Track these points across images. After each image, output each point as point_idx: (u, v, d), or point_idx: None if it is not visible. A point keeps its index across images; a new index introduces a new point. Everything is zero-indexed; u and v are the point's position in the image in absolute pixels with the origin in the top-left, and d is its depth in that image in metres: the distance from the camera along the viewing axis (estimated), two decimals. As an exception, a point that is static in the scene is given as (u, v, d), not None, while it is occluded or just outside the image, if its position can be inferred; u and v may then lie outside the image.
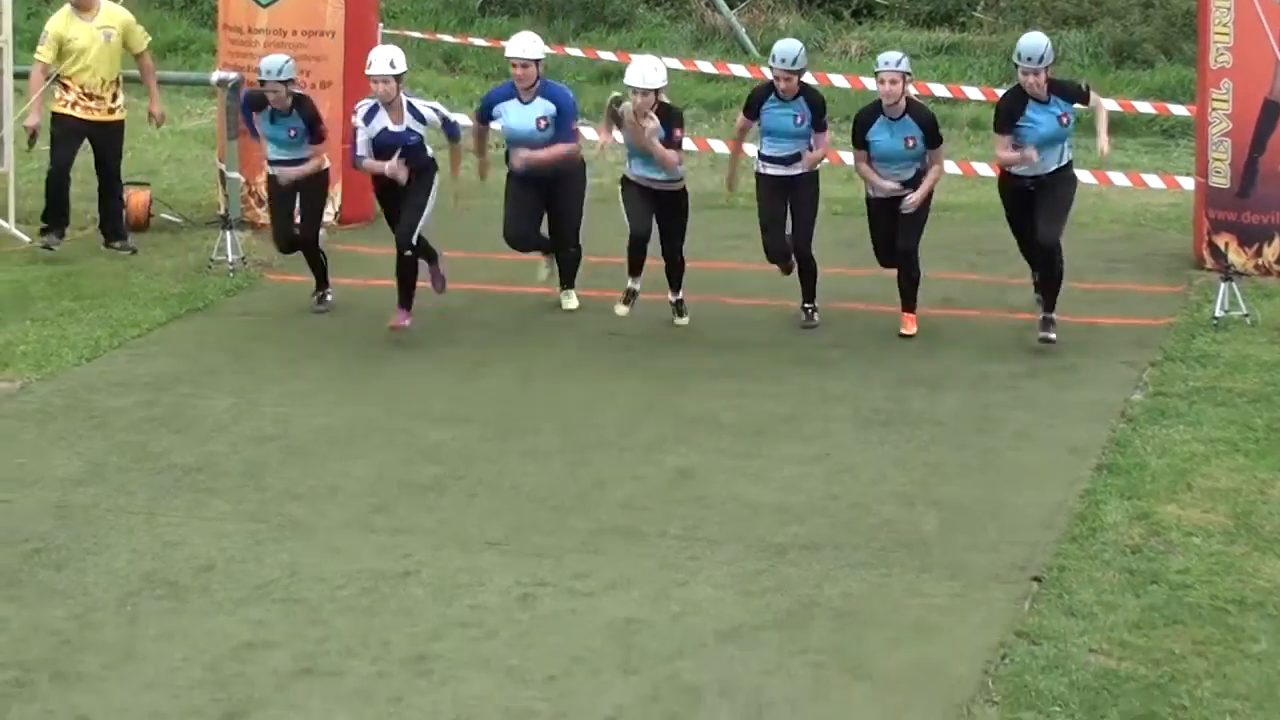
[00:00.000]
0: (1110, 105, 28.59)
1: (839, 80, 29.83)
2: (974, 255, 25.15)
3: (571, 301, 23.00)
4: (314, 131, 22.15)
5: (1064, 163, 20.24)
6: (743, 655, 14.46)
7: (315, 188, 22.78)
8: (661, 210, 21.89)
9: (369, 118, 20.24)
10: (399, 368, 20.13)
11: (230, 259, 25.04)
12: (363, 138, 20.32)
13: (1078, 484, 17.57)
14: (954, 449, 18.12)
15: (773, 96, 20.94)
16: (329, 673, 14.38)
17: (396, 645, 14.79)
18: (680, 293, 22.61)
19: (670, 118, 21.25)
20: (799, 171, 21.27)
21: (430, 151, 20.24)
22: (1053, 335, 21.20)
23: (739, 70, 31.57)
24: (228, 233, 25.40)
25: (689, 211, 22.26)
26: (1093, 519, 16.84)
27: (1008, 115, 20.44)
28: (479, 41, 34.59)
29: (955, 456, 18.01)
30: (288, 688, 14.21)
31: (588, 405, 18.83)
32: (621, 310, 22.13)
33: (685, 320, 22.52)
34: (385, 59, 19.83)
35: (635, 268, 22.05)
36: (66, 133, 25.81)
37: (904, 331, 21.62)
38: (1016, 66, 20.18)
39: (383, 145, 20.07)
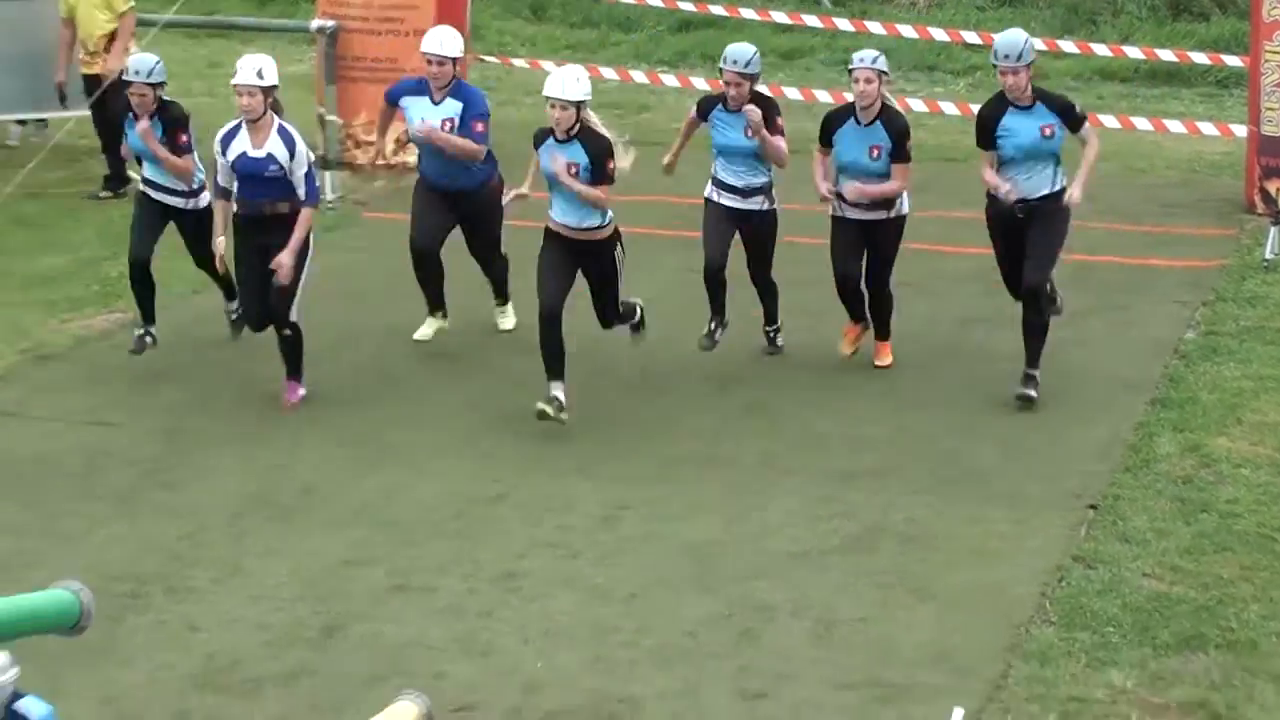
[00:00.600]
0: (1167, 56, 28.64)
1: (907, 30, 29.55)
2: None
3: (508, 321, 20.28)
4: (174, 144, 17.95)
5: (1055, 189, 17.57)
6: (812, 576, 14.61)
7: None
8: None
9: (226, 142, 16.69)
10: (491, 304, 20.15)
11: (330, 198, 25.06)
12: (220, 164, 16.88)
13: (1132, 417, 17.67)
14: (1014, 384, 18.20)
15: (720, 107, 18.10)
16: (422, 589, 14.58)
17: (486, 564, 14.97)
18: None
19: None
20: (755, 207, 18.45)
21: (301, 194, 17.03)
22: (1032, 393, 18.13)
23: (811, 20, 31.20)
24: (327, 173, 25.36)
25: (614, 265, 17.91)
26: (1146, 450, 16.95)
27: (985, 125, 18.07)
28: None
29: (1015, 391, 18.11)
30: (383, 603, 14.42)
31: (665, 340, 18.90)
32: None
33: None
34: (251, 68, 16.42)
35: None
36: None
37: (879, 363, 19.12)
38: (995, 67, 18.05)
39: (241, 173, 16.67)
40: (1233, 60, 26.45)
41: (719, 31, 31.76)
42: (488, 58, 29.35)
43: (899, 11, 31.87)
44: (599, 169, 16.51)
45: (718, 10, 29.85)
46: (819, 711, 12.97)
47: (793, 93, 28.13)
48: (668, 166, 18.73)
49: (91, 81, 25.66)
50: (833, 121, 18.44)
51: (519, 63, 30.26)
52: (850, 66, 18.33)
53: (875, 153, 17.84)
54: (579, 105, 16.41)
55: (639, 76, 28.71)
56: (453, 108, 18.49)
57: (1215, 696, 12.99)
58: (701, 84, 28.76)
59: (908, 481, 16.40)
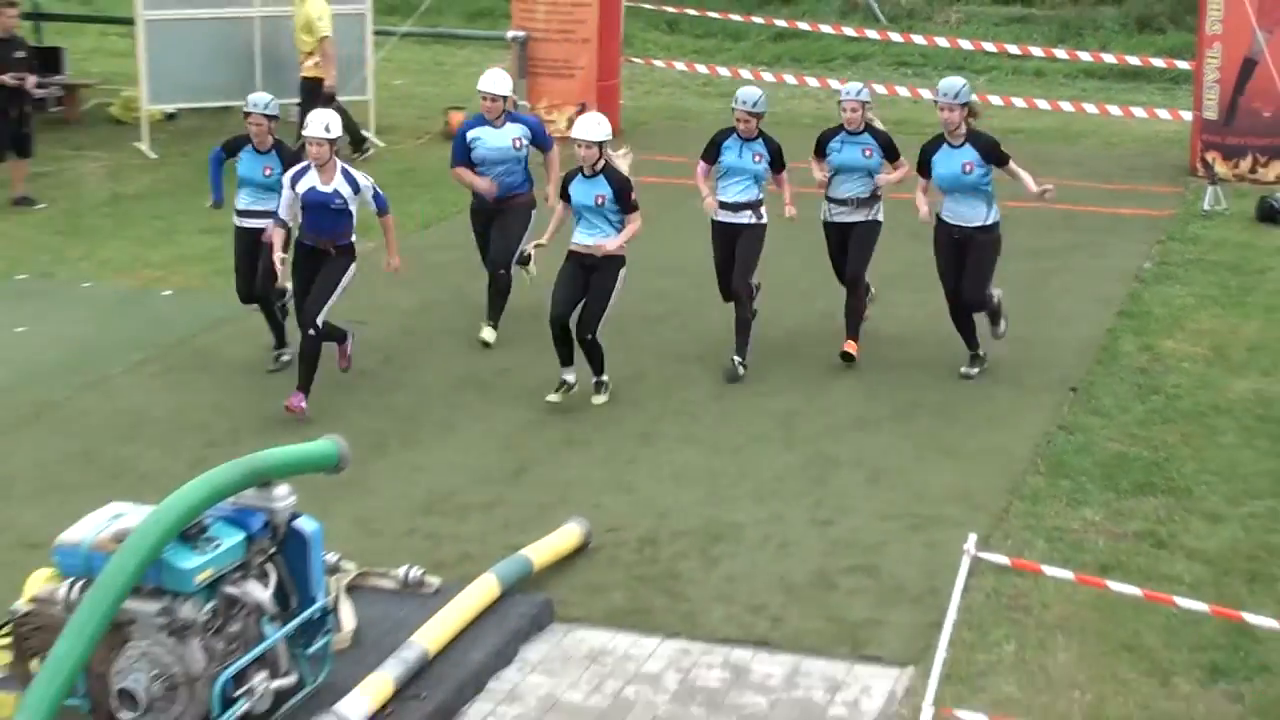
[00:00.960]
0: (1134, 60, 28.61)
1: (942, 40, 29.62)
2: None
3: (489, 335, 17.72)
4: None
5: (989, 222, 15.78)
6: (867, 437, 14.69)
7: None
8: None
9: (297, 179, 14.96)
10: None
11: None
12: (286, 197, 15.05)
13: (1103, 324, 17.66)
14: (1020, 299, 18.13)
15: (734, 137, 16.41)
16: (583, 443, 14.73)
17: (630, 425, 15.12)
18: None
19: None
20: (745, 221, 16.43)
21: (354, 237, 15.46)
22: (974, 371, 16.45)
23: (871, 33, 31.21)
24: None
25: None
26: (1113, 349, 16.96)
27: (923, 156, 16.27)
28: (691, 11, 34.19)
29: (1020, 303, 18.03)
30: (557, 452, 14.60)
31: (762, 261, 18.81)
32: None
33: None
34: (321, 123, 14.80)
35: None
36: None
37: (845, 350, 16.72)
38: (936, 104, 16.03)
39: (310, 203, 15.01)
40: (1182, 64, 26.31)
41: (804, 41, 31.66)
42: (635, 59, 29.30)
43: (936, 27, 31.82)
44: (624, 199, 15.39)
45: (804, 26, 29.93)
46: (870, 535, 13.09)
47: (854, 84, 28.12)
48: (709, 206, 16.70)
49: (305, 82, 25.04)
50: (825, 137, 16.93)
51: (658, 63, 30.27)
52: (840, 99, 16.99)
53: (867, 152, 16.56)
54: (601, 145, 15.24)
55: (745, 74, 28.75)
56: (516, 129, 17.00)
57: (1160, 529, 13.10)
58: (790, 79, 28.74)
59: (938, 369, 16.44)
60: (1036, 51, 28.80)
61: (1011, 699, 10.79)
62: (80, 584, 10.15)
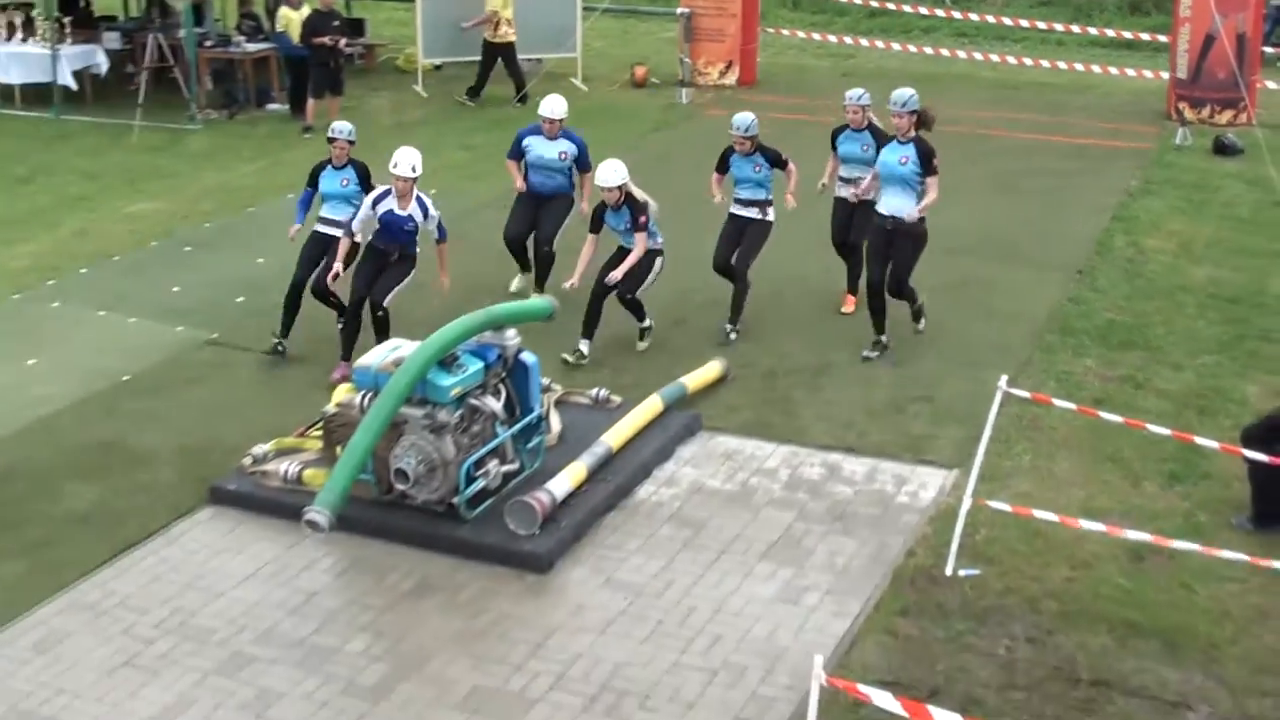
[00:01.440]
0: (1128, 34, 28.14)
1: (990, 19, 29.19)
2: (1044, 114, 24.60)
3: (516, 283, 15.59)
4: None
5: (916, 219, 13.52)
6: (931, 303, 14.45)
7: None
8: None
9: (378, 201, 13.21)
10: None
11: (684, 101, 24.87)
12: (364, 214, 13.31)
13: (1100, 225, 17.30)
14: (1042, 206, 17.95)
15: (734, 155, 14.30)
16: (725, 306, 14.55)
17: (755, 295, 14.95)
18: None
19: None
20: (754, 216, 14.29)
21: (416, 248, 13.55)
22: (873, 355, 13.61)
23: (939, 12, 30.68)
24: (682, 89, 25.21)
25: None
26: (1108, 243, 16.64)
27: (877, 142, 14.25)
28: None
29: (1042, 209, 17.84)
30: (706, 311, 14.44)
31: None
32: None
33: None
34: (409, 163, 13.09)
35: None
36: None
37: (844, 310, 14.76)
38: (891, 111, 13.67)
39: (386, 224, 13.21)
40: (1163, 38, 25.70)
41: (891, 17, 31.06)
42: (768, 29, 28.89)
43: (987, 7, 31.08)
44: (635, 222, 13.41)
45: (890, 6, 29.40)
46: (930, 373, 13.07)
47: (929, 50, 27.73)
48: (720, 200, 14.60)
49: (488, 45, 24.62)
50: (835, 132, 14.81)
51: (784, 32, 29.87)
52: (845, 103, 14.58)
53: (865, 148, 14.32)
54: (620, 186, 13.38)
55: (848, 40, 28.41)
56: (564, 144, 14.99)
57: (1138, 374, 12.98)
58: (880, 45, 28.30)
59: (983, 256, 16.23)
60: (1058, 27, 28.18)
61: (1028, 494, 10.79)
62: (369, 395, 10.54)
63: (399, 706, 8.61)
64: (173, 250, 16.80)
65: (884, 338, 13.63)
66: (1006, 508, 9.80)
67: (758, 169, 14.18)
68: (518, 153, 15.22)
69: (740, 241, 14.20)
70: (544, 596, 9.71)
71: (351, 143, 13.92)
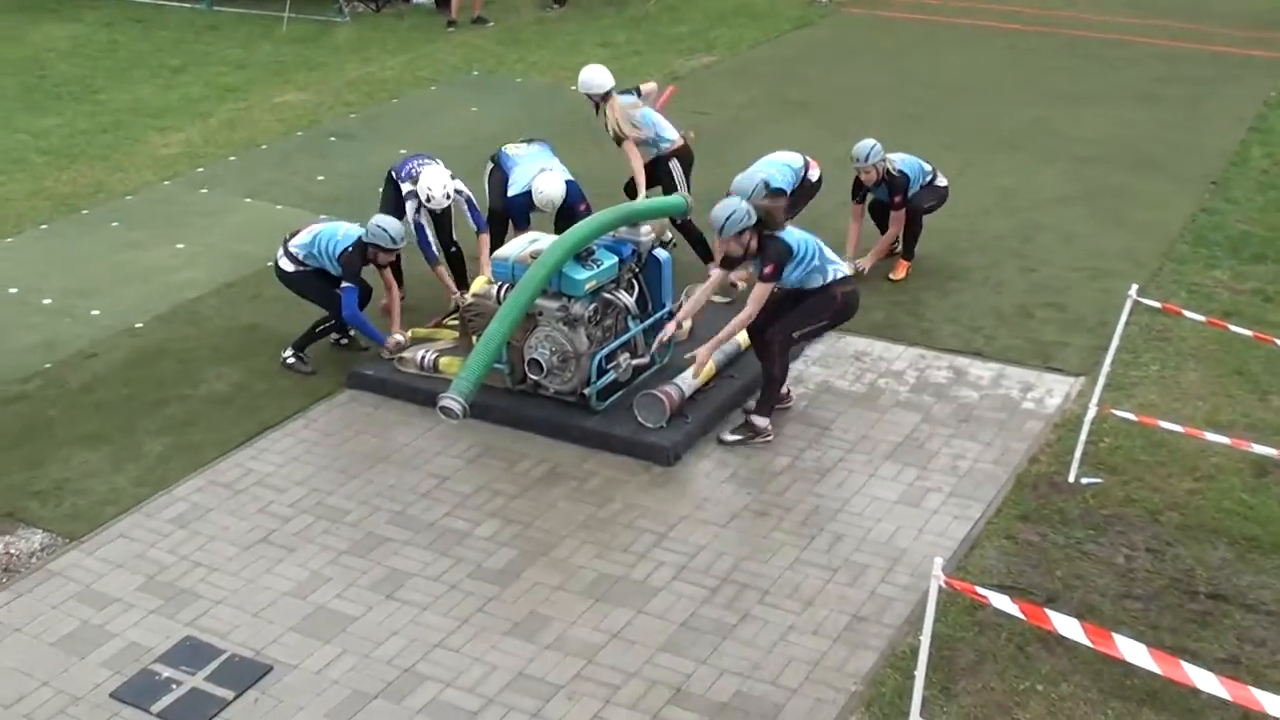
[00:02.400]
0: None
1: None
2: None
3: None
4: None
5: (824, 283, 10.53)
6: (1063, 211, 14.25)
7: None
8: None
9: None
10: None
11: (825, 3, 24.35)
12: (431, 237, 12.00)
13: (1238, 136, 16.84)
14: (1177, 115, 17.53)
15: None
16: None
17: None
18: None
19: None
20: None
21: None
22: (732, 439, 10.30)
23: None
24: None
25: None
26: (1244, 154, 16.17)
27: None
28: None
29: (1178, 118, 17.42)
30: (834, 217, 14.27)
31: (980, 72, 18.22)
32: None
33: None
34: (443, 190, 11.74)
35: None
36: None
37: (893, 277, 12.89)
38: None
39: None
40: None
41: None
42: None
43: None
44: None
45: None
46: (1061, 281, 12.84)
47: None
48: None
49: None
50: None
51: None
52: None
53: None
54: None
55: None
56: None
57: (1269, 288, 12.64)
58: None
59: (1116, 165, 15.86)
60: None
61: (1153, 404, 10.57)
62: (506, 286, 10.51)
63: (525, 590, 8.65)
64: (318, 140, 16.89)
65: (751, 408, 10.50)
66: (1131, 417, 9.61)
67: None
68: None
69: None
70: (669, 488, 9.70)
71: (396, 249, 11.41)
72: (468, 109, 17.88)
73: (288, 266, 11.36)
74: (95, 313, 12.59)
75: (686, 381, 10.42)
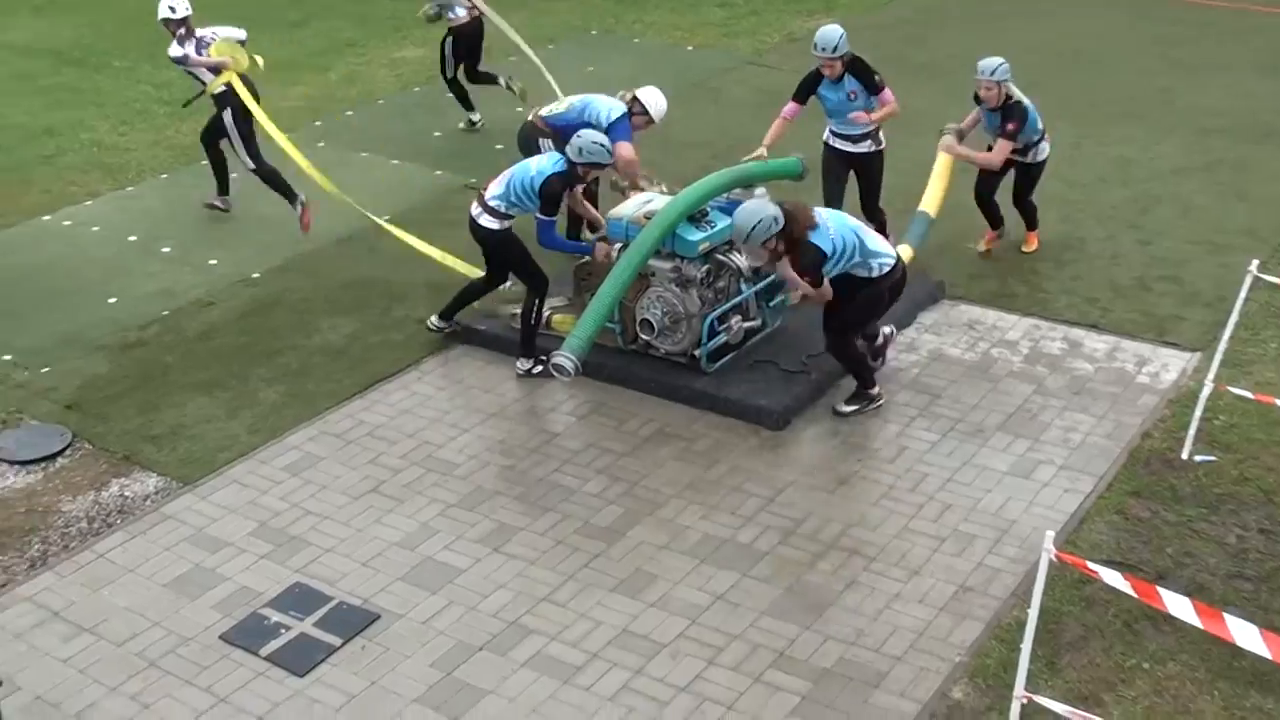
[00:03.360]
0: None
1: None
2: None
3: None
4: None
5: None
6: (1183, 183, 14.02)
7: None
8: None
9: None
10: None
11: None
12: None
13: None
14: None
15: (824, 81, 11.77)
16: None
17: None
18: None
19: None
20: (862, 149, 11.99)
21: None
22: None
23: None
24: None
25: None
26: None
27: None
28: None
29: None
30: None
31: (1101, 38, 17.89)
32: None
33: None
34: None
35: None
36: None
37: (1025, 249, 12.64)
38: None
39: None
40: None
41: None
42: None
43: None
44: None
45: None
46: (1178, 254, 12.65)
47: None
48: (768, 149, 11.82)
49: None
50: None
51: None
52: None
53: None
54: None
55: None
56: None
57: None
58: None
59: (1239, 137, 15.49)
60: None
61: (1270, 383, 10.39)
62: (620, 246, 10.48)
63: (631, 548, 8.67)
64: (435, 96, 16.93)
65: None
66: (1248, 395, 9.45)
67: (853, 95, 11.79)
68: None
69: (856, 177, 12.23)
70: (778, 452, 9.67)
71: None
72: (584, 68, 17.85)
73: (492, 224, 10.58)
74: (213, 262, 12.74)
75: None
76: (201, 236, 13.25)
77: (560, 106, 12.08)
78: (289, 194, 13.25)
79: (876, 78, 11.80)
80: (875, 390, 10.26)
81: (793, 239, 9.51)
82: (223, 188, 13.83)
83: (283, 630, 8.03)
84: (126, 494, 9.40)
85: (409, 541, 8.78)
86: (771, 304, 10.88)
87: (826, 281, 9.62)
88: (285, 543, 8.80)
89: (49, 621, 8.19)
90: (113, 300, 12.12)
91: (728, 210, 10.55)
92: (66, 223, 13.74)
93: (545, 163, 10.54)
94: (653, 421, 10.06)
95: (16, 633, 8.10)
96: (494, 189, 10.55)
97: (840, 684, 7.53)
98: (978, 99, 12.13)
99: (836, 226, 9.61)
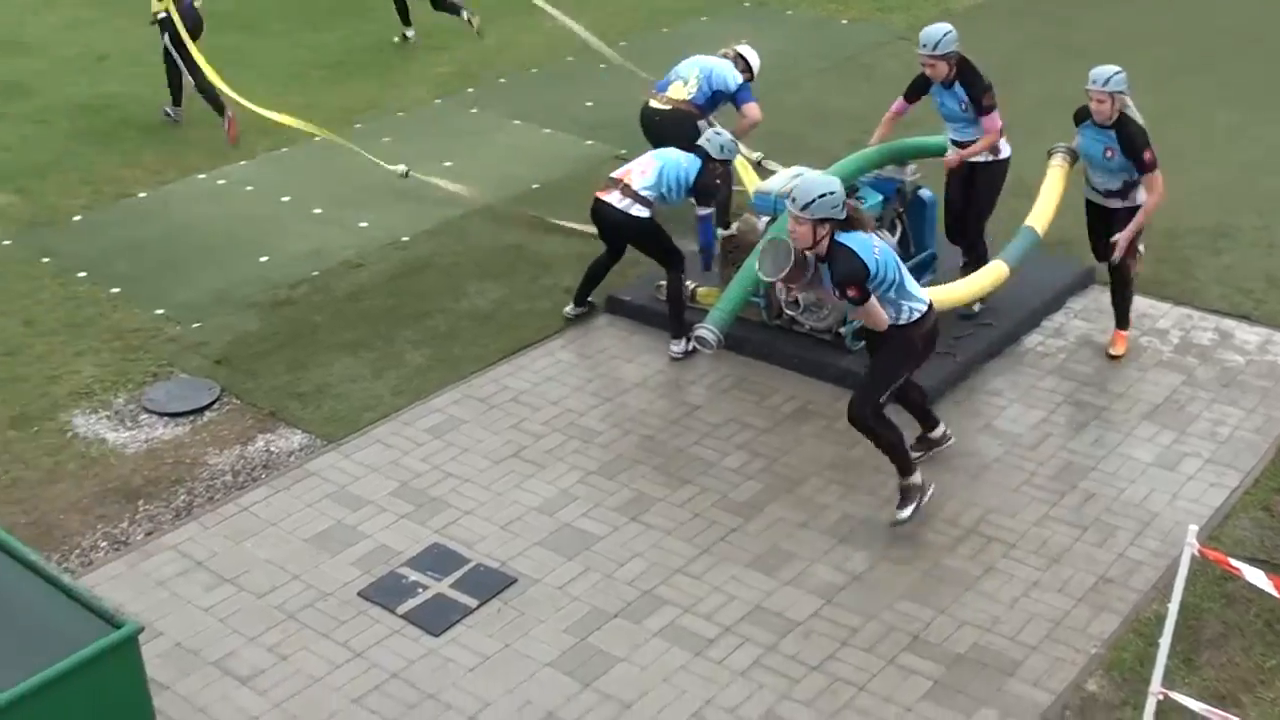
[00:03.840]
0: None
1: None
2: None
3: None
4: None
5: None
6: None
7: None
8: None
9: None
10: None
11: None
12: None
13: None
14: None
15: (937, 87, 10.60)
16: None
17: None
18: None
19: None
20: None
21: None
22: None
23: None
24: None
25: None
26: None
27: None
28: None
29: None
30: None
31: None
32: None
33: None
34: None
35: None
36: None
37: (1112, 352, 10.56)
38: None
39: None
40: None
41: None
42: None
43: None
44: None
45: None
46: (1339, 248, 12.31)
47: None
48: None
49: None
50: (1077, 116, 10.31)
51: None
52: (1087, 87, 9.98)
53: (1109, 154, 10.05)
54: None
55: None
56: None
57: None
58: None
59: None
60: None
61: None
62: (768, 219, 10.48)
63: (768, 524, 8.67)
64: (588, 66, 16.98)
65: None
66: None
67: (964, 107, 10.56)
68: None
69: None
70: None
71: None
72: (736, 42, 17.78)
73: (642, 212, 10.50)
74: (363, 224, 12.91)
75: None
76: (352, 199, 13.42)
77: (690, 85, 12.16)
78: (219, 108, 14.96)
79: (984, 99, 10.42)
80: (917, 478, 8.65)
81: (835, 240, 8.13)
82: (175, 99, 15.59)
83: (420, 590, 8.14)
84: (271, 449, 9.58)
85: (548, 507, 8.85)
86: (921, 282, 10.78)
87: (875, 298, 8.23)
88: (425, 503, 8.92)
89: (192, 571, 8.37)
90: (264, 259, 12.32)
91: (877, 187, 10.51)
92: (221, 181, 13.99)
93: (688, 159, 10.65)
94: (795, 398, 10.05)
95: (160, 580, 8.29)
96: (644, 179, 10.56)
97: (974, 670, 7.49)
98: (1080, 117, 10.30)
99: (882, 247, 8.35)
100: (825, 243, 8.12)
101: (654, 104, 12.24)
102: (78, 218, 13.22)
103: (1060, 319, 11.08)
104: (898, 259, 8.38)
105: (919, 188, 10.82)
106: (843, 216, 8.12)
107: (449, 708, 7.31)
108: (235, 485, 9.20)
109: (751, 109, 12.09)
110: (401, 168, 13.74)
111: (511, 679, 7.49)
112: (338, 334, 11.04)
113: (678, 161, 10.63)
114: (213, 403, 10.14)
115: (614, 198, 10.59)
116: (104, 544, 8.65)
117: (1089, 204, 10.47)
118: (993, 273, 10.33)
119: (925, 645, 7.67)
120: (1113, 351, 10.60)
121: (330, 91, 16.39)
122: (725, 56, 12.36)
